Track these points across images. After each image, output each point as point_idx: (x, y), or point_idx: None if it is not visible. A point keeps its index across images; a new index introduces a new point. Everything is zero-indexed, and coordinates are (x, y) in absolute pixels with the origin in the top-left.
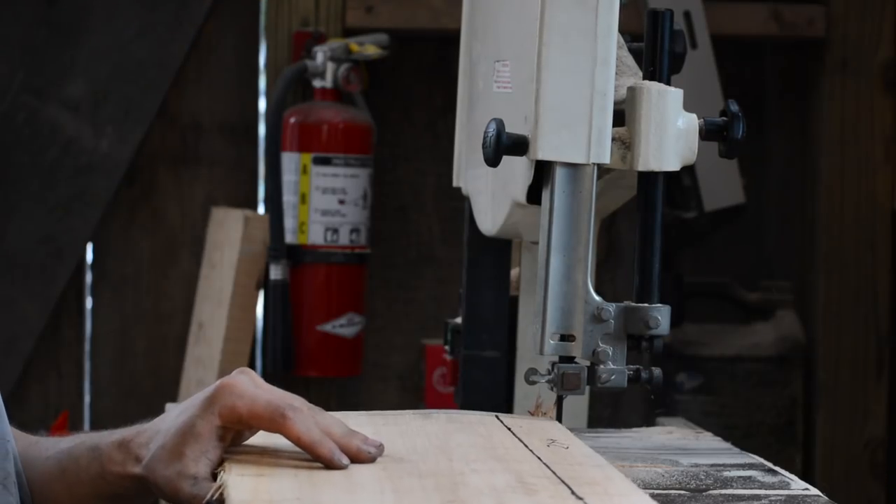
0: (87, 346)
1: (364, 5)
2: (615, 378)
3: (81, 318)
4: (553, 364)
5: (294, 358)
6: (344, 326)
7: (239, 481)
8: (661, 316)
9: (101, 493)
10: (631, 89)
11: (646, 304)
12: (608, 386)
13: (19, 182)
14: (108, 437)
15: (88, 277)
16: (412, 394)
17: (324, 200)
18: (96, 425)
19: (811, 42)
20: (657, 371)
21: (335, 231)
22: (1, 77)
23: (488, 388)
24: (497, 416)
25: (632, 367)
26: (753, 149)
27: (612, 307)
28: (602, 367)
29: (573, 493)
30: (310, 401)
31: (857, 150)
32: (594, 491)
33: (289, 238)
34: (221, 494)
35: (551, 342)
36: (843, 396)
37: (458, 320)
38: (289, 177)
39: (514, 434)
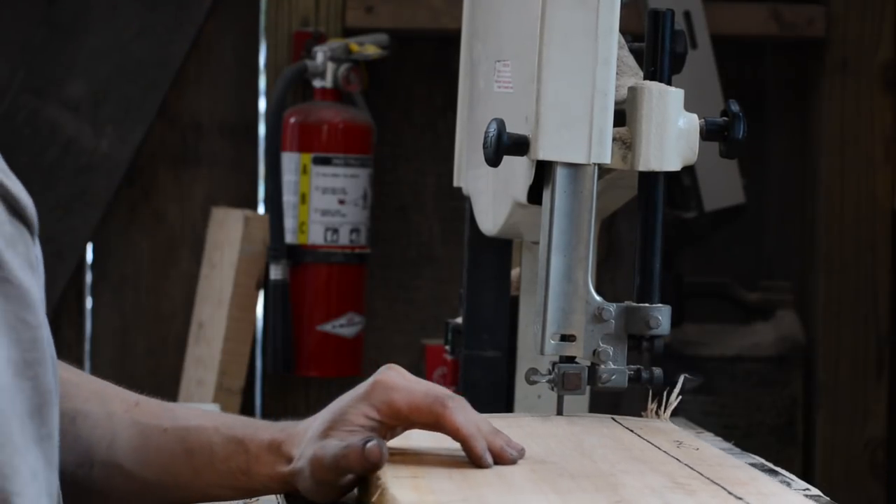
0: (87, 346)
1: (364, 5)
2: (616, 378)
3: (81, 318)
4: (554, 364)
5: (294, 358)
6: (344, 326)
7: (397, 482)
8: (661, 316)
9: (238, 486)
10: (632, 89)
11: (646, 304)
12: (609, 386)
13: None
14: (254, 434)
15: (88, 277)
16: None
17: (324, 200)
18: None
19: (811, 42)
20: (657, 371)
21: (335, 231)
22: (1, 77)
23: (488, 388)
24: (613, 418)
25: (632, 367)
26: (753, 149)
27: (612, 307)
28: (602, 367)
29: (730, 493)
30: (309, 402)
31: (857, 150)
32: (748, 491)
33: (289, 238)
34: (381, 494)
35: (552, 342)
36: (843, 396)
37: (459, 320)
38: (289, 177)
39: (639, 436)
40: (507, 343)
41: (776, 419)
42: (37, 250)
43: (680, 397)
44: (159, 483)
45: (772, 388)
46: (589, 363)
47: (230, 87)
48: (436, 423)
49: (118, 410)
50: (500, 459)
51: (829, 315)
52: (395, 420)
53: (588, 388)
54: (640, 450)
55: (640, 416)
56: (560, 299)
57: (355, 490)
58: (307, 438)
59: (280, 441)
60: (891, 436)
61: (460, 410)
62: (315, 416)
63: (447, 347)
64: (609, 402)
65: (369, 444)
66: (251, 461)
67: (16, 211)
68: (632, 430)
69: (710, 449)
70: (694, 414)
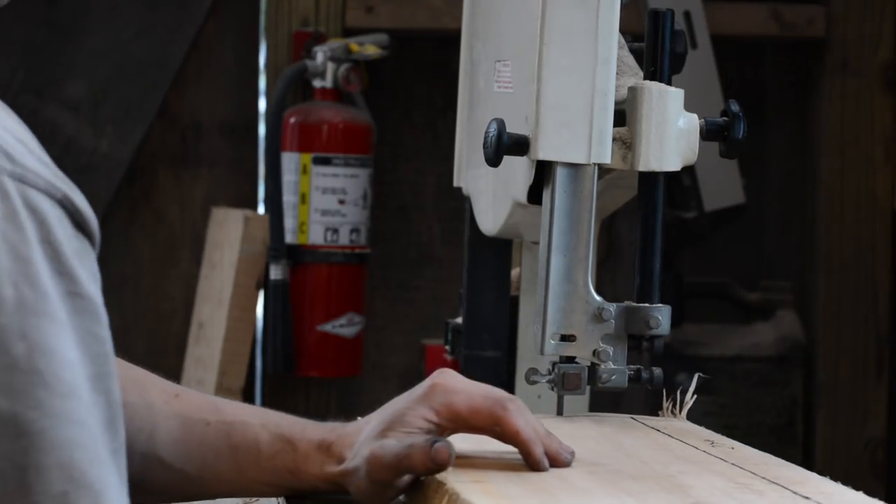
0: None
1: (364, 5)
2: (616, 378)
3: None
4: (554, 364)
5: (294, 358)
6: (344, 326)
7: (465, 487)
8: (661, 316)
9: (284, 484)
10: (632, 89)
11: (646, 304)
12: (609, 386)
13: None
14: (302, 432)
15: None
16: None
17: (324, 200)
18: None
19: (811, 42)
20: (657, 371)
21: (335, 231)
22: (1, 77)
23: None
24: (633, 418)
25: (632, 367)
26: (753, 149)
27: (612, 307)
28: (602, 366)
29: (795, 493)
30: (309, 402)
31: (857, 150)
32: (809, 490)
33: (289, 238)
34: (450, 500)
35: (552, 342)
36: (843, 396)
37: (459, 320)
38: (289, 177)
39: (670, 436)
40: (507, 343)
41: (776, 419)
42: (95, 263)
43: (695, 396)
44: (200, 477)
45: (772, 388)
46: (589, 363)
47: (230, 87)
48: (495, 426)
49: (158, 401)
50: (556, 462)
51: (829, 315)
52: (453, 423)
53: (588, 388)
54: (681, 450)
55: (657, 415)
56: (560, 299)
57: (401, 497)
58: (362, 438)
59: (330, 441)
60: (891, 436)
61: (519, 413)
62: (367, 417)
63: (447, 347)
64: (609, 402)
65: (437, 444)
66: (299, 460)
67: (79, 224)
68: (659, 431)
69: (745, 448)
70: (694, 414)
